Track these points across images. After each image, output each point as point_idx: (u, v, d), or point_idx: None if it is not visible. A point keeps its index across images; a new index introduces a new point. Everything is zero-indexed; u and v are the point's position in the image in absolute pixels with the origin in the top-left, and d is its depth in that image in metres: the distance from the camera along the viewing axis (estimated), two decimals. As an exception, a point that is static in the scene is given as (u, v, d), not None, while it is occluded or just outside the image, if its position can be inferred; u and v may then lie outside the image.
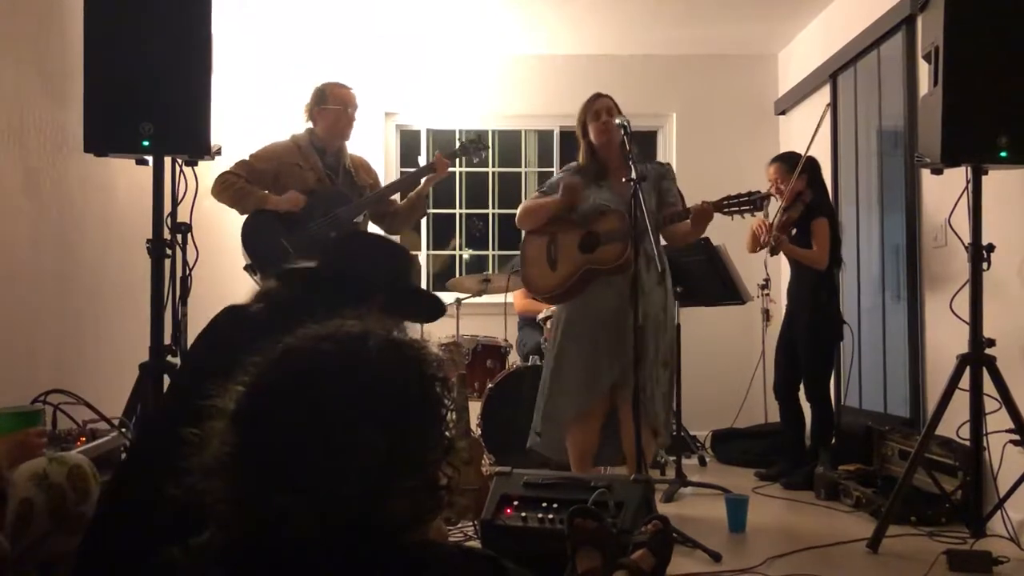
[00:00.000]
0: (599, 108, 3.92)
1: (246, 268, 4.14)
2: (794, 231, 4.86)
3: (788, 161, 5.00)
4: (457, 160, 4.67)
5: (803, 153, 4.90)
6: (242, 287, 3.44)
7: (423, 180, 4.45)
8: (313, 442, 1.11)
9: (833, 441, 5.15)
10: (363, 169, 4.45)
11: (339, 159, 4.33)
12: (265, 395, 1.16)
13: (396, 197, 4.53)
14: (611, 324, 3.79)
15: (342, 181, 4.31)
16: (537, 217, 3.98)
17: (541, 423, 3.94)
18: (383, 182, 5.07)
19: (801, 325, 4.92)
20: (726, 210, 3.68)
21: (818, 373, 4.91)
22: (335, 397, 1.14)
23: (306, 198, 4.11)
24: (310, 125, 4.33)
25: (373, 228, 4.51)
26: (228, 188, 4.09)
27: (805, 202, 4.82)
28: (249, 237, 4.14)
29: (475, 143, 4.56)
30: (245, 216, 4.18)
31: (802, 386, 5.00)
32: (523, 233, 4.08)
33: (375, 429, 1.13)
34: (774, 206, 4.85)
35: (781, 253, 4.93)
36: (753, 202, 3.63)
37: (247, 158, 4.19)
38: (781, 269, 5.55)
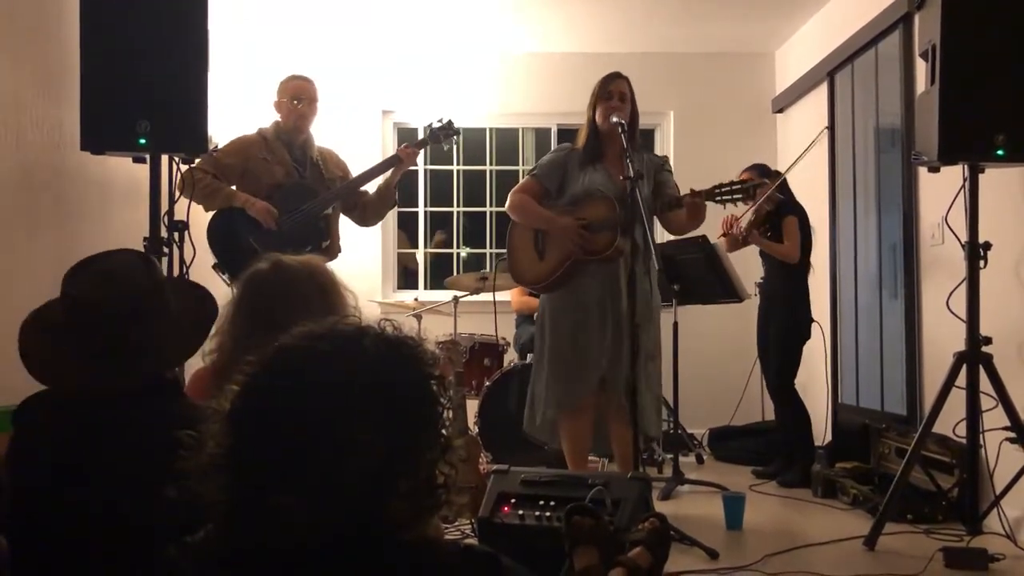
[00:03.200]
0: (612, 89, 3.87)
1: (214, 267, 4.10)
2: (769, 233, 4.91)
3: (755, 169, 5.09)
4: (426, 148, 4.60)
5: (789, 163, 5.02)
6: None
7: (393, 170, 4.42)
8: (311, 442, 1.11)
9: (830, 440, 5.17)
10: (331, 161, 4.41)
11: (306, 151, 4.31)
12: (261, 395, 1.16)
13: (369, 188, 4.50)
14: (596, 317, 3.77)
15: (310, 174, 4.28)
16: (526, 221, 3.95)
17: (530, 415, 3.93)
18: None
19: (775, 324, 4.96)
20: (717, 199, 3.66)
21: (786, 371, 4.94)
22: (332, 397, 1.13)
23: (276, 213, 4.06)
24: (276, 119, 4.31)
25: (344, 220, 4.48)
26: (195, 185, 3.92)
27: (775, 201, 4.86)
28: (215, 235, 4.09)
29: (444, 129, 4.46)
30: (211, 213, 4.13)
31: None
32: (510, 221, 4.05)
33: (373, 429, 1.13)
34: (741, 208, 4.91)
35: (758, 252, 5.07)
36: (745, 190, 3.62)
37: (213, 153, 4.10)
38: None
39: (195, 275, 3.65)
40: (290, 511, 1.10)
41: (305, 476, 1.10)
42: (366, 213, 4.50)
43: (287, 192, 4.13)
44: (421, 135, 4.61)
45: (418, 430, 1.18)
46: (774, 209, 4.90)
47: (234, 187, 4.13)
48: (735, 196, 3.61)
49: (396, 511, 1.15)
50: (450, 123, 4.49)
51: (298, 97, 4.27)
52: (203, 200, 4.07)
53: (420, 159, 6.04)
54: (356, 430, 1.12)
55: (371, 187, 4.51)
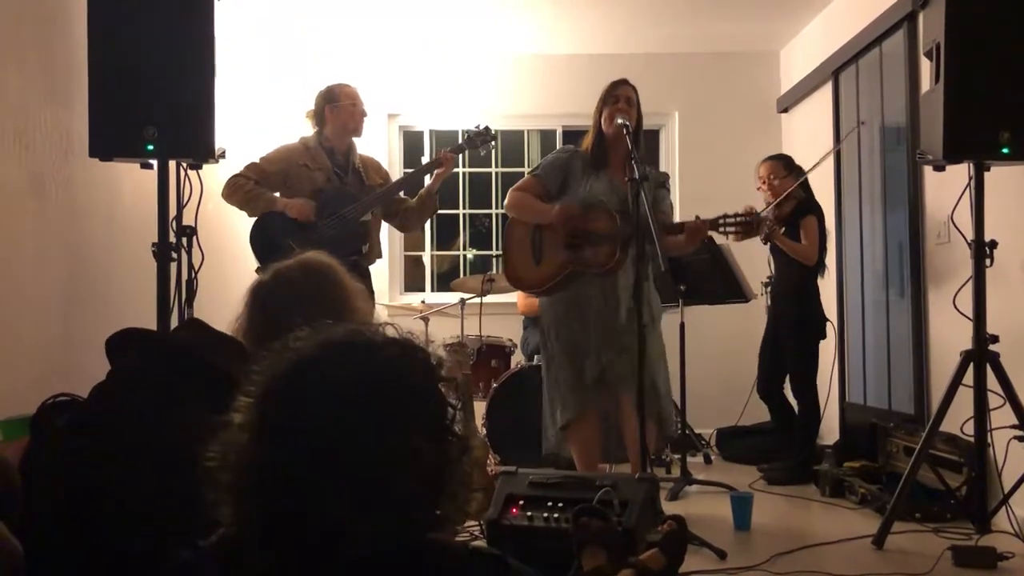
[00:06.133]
0: (618, 94, 3.88)
1: (257, 271, 4.16)
2: (783, 229, 4.90)
3: (780, 160, 5.07)
4: (463, 153, 4.64)
5: (819, 157, 5.01)
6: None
7: (433, 176, 4.45)
8: (362, 455, 1.10)
9: (838, 439, 5.17)
10: (373, 169, 4.46)
11: (348, 159, 4.35)
12: (298, 410, 1.13)
13: (405, 194, 4.53)
14: (594, 321, 3.78)
15: (351, 180, 4.32)
16: (524, 216, 3.95)
17: (548, 427, 3.95)
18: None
19: (787, 324, 4.95)
20: (721, 229, 3.68)
21: (804, 371, 4.93)
22: (377, 407, 1.13)
23: (314, 206, 4.12)
24: (317, 128, 4.35)
25: (385, 226, 4.52)
26: (238, 191, 4.14)
27: (797, 198, 4.86)
28: (257, 239, 4.17)
29: (481, 135, 4.50)
30: (254, 218, 4.21)
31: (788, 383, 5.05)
32: (508, 220, 4.05)
33: (417, 434, 1.13)
34: (759, 201, 4.90)
35: (768, 255, 5.07)
36: (750, 223, 3.63)
37: (257, 160, 4.22)
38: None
39: (204, 279, 3.67)
40: (348, 526, 1.09)
41: (364, 490, 1.10)
42: (407, 219, 4.55)
43: (328, 197, 4.20)
44: (429, 139, 4.64)
45: (443, 432, 1.19)
46: (795, 206, 4.89)
47: (277, 194, 4.21)
48: (739, 229, 3.63)
49: (447, 516, 1.16)
50: (487, 128, 4.54)
51: (358, 99, 4.34)
52: (244, 205, 4.19)
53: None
54: (404, 438, 1.12)
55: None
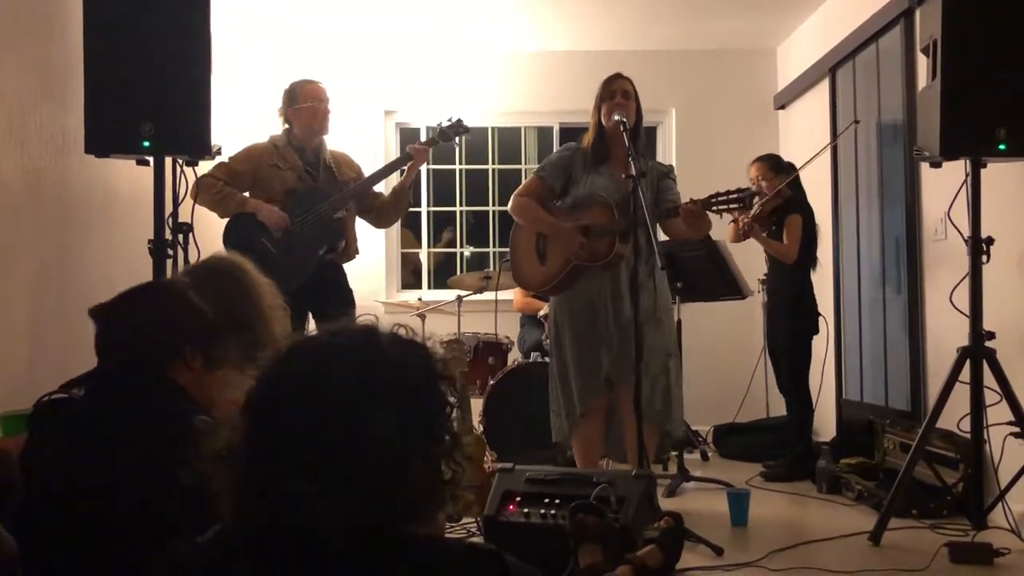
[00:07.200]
0: (615, 88, 3.87)
1: None
2: (774, 226, 4.91)
3: (768, 161, 5.07)
4: (460, 141, 4.59)
5: (793, 159, 5.00)
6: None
7: (405, 170, 4.42)
8: (328, 427, 1.13)
9: (835, 435, 5.17)
10: (344, 164, 4.43)
11: (319, 155, 4.32)
12: (279, 385, 1.17)
13: (382, 189, 4.49)
14: (602, 319, 3.78)
15: (323, 177, 4.30)
16: (528, 222, 3.96)
17: (555, 421, 3.94)
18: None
19: (780, 321, 4.97)
20: (714, 208, 3.67)
21: (797, 367, 4.94)
22: (350, 388, 1.15)
23: (286, 217, 4.09)
24: (286, 126, 4.32)
25: (359, 223, 4.49)
26: (207, 192, 4.03)
27: (784, 196, 4.87)
28: (231, 239, 4.14)
29: (453, 127, 4.47)
30: (226, 219, 4.19)
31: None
32: (514, 223, 4.06)
33: (387, 413, 1.14)
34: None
35: (762, 249, 5.07)
36: (742, 199, 3.62)
37: (225, 160, 4.16)
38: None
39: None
40: (304, 497, 1.11)
41: (323, 462, 1.12)
42: (381, 215, 4.51)
43: (301, 196, 4.17)
44: (425, 135, 4.61)
45: (430, 420, 1.19)
46: (782, 204, 4.90)
47: (247, 194, 4.18)
48: (731, 206, 3.62)
49: (408, 498, 1.16)
50: (459, 121, 4.50)
51: (321, 98, 4.30)
52: (214, 206, 4.13)
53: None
54: (374, 414, 1.13)
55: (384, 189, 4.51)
